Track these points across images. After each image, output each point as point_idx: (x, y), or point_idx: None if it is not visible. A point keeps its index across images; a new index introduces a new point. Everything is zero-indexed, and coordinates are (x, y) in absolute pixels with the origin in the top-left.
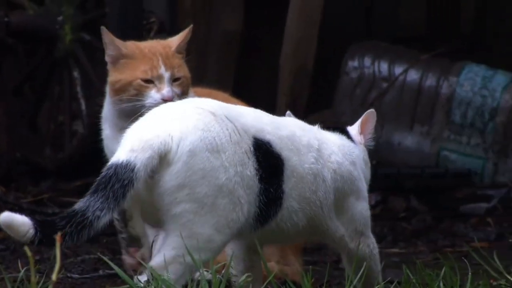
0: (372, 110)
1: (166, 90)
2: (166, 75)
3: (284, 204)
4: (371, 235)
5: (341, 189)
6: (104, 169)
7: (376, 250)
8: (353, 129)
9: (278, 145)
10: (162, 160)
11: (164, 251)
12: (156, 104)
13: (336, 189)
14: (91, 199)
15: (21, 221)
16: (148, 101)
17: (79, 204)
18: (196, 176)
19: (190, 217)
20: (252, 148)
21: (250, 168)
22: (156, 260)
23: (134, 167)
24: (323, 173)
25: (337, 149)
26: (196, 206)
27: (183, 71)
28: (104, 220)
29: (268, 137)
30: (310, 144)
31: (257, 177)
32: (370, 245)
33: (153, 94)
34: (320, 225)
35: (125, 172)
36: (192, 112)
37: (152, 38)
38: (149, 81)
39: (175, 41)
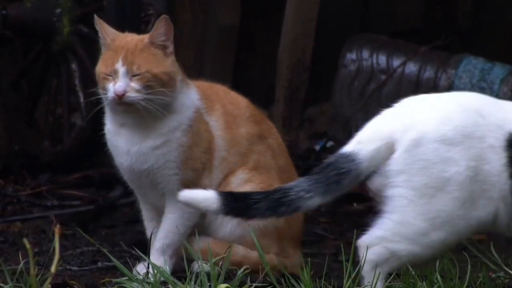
0: None
1: (118, 84)
2: (122, 69)
3: None
4: None
5: None
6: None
7: None
8: None
9: None
10: (390, 150)
11: (373, 229)
12: (112, 98)
13: None
14: (301, 181)
15: (202, 197)
16: (108, 94)
17: (288, 184)
18: (416, 164)
19: (404, 203)
20: (504, 144)
21: (493, 164)
22: (363, 238)
23: (356, 157)
24: None
25: None
26: (412, 194)
27: (147, 66)
28: (311, 202)
29: None
30: None
31: (506, 174)
32: None
33: (110, 87)
34: None
35: (345, 161)
36: (436, 104)
37: (150, 31)
38: (110, 74)
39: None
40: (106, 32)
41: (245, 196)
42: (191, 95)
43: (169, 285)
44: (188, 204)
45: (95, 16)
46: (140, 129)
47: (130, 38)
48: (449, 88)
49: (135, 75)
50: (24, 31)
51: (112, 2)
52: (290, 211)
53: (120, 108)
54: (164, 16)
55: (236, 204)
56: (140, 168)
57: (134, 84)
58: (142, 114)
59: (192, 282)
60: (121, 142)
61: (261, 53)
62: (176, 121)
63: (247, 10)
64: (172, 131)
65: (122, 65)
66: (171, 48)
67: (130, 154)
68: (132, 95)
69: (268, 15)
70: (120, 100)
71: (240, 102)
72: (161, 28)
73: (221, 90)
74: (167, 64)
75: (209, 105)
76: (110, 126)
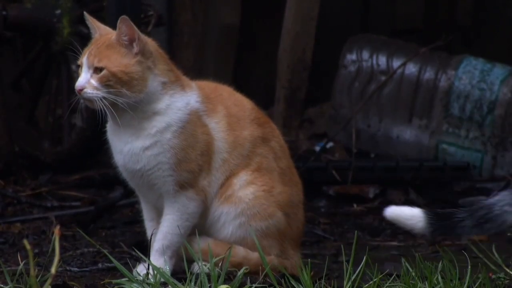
0: None
1: (79, 79)
2: (85, 62)
3: None
4: None
5: None
6: None
7: None
8: None
9: None
10: None
11: None
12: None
13: None
14: (504, 194)
15: (409, 214)
16: None
17: (491, 200)
18: None
19: None
20: None
21: None
22: None
23: None
24: None
25: None
26: None
27: (106, 62)
28: None
29: None
30: None
31: None
32: None
33: None
34: None
35: None
36: None
37: (150, 32)
38: (81, 67)
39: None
40: (99, 27)
41: (450, 214)
42: (188, 97)
43: (169, 286)
44: (394, 221)
45: (85, 12)
46: (131, 128)
47: (110, 36)
48: (449, 89)
49: (96, 70)
50: (24, 31)
51: (112, 2)
52: (496, 227)
53: (85, 103)
54: (123, 16)
55: (441, 223)
56: (133, 168)
57: (93, 81)
58: (127, 112)
59: (192, 283)
60: (116, 140)
61: (262, 53)
62: (164, 123)
63: (248, 10)
64: (161, 132)
65: (87, 58)
66: (136, 49)
67: (123, 153)
68: (89, 91)
69: (269, 15)
70: (80, 95)
71: (244, 104)
72: (121, 28)
73: (225, 92)
74: (129, 64)
75: (211, 107)
76: (109, 123)
